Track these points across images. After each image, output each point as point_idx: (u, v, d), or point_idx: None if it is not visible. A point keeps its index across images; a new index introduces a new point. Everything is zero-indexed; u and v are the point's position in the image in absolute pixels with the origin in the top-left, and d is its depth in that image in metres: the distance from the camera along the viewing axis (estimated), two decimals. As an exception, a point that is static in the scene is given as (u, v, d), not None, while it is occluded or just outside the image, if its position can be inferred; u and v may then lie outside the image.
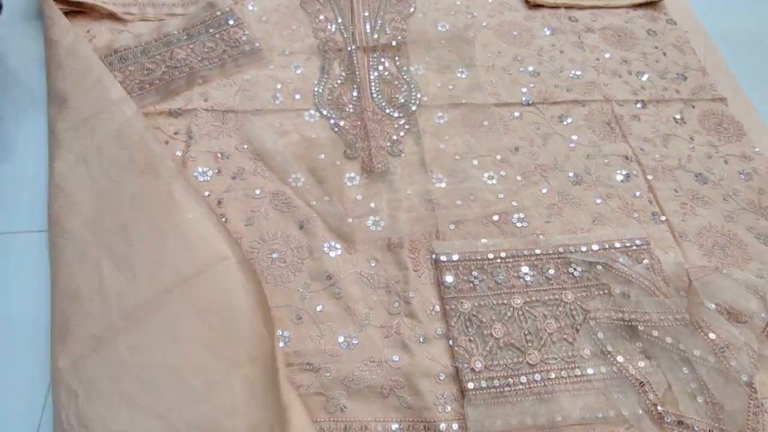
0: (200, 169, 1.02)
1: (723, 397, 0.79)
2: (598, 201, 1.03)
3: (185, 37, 1.20)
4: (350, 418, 0.77)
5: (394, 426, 0.77)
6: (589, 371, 0.83)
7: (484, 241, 0.96)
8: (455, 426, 0.78)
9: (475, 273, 0.92)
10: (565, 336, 0.86)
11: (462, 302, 0.88)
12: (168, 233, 0.85)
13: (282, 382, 0.76)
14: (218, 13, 1.25)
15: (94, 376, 0.75)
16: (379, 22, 1.29)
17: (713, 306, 0.87)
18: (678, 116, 1.17)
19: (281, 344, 0.83)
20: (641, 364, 0.84)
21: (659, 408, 0.80)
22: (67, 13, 1.19)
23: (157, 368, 0.75)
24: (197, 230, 0.86)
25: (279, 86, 1.17)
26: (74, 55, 1.07)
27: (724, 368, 0.81)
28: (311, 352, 0.83)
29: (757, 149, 1.12)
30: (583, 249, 0.95)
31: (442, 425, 0.77)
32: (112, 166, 0.93)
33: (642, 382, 0.82)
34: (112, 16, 1.24)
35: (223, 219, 0.96)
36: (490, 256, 0.94)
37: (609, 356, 0.84)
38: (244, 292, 0.82)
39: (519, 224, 0.99)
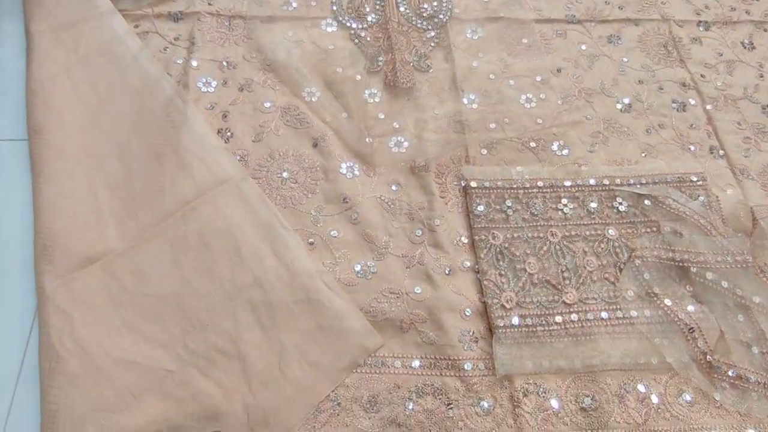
0: (203, 80, 0.91)
1: (783, 348, 0.71)
2: (649, 131, 0.92)
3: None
4: (365, 351, 0.70)
5: (416, 363, 0.70)
6: (633, 314, 0.75)
7: (519, 168, 0.85)
8: (482, 366, 0.70)
9: (508, 202, 0.82)
10: (606, 275, 0.77)
11: (493, 233, 0.79)
12: (166, 156, 0.79)
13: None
14: None
15: (90, 299, 0.69)
16: None
17: (779, 248, 0.77)
18: (746, 40, 1.03)
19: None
20: (691, 308, 0.75)
21: (709, 357, 0.71)
22: None
23: (160, 296, 0.70)
24: (196, 153, 0.80)
25: (292, -9, 1.03)
26: None
27: (787, 317, 0.72)
28: (324, 280, 0.74)
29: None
30: (631, 182, 0.85)
31: (467, 364, 0.70)
32: (101, 83, 0.86)
33: (691, 327, 0.73)
34: None
35: (229, 134, 0.86)
36: (526, 184, 0.84)
37: (655, 299, 0.75)
38: (247, 214, 0.76)
39: (559, 152, 0.88)
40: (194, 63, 0.92)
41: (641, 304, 0.75)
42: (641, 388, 0.70)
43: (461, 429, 0.66)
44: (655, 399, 0.69)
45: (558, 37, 1.01)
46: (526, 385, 0.69)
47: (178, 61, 0.93)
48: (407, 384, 0.69)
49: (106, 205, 0.76)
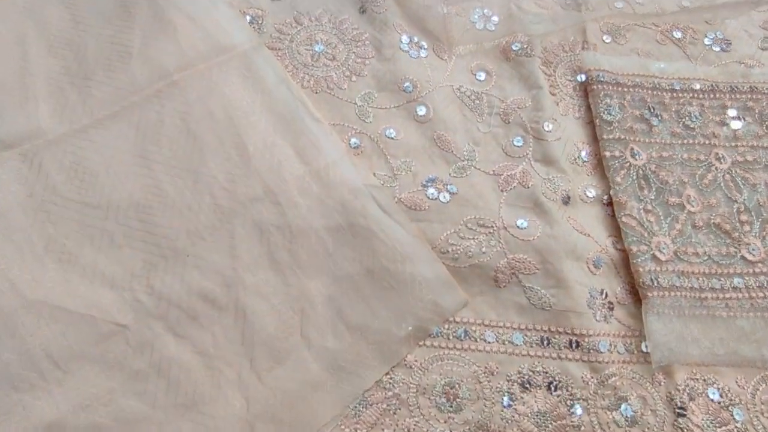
0: None
1: None
2: None
3: None
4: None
5: (518, 337, 0.45)
6: None
7: (660, 64, 0.59)
8: (621, 347, 0.45)
9: (652, 106, 0.55)
10: (803, 222, 0.51)
11: (632, 149, 0.52)
12: (137, 6, 0.59)
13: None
14: None
15: (4, 209, 0.47)
16: None
17: None
18: None
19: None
20: None
21: None
22: None
23: (112, 207, 0.47)
24: (183, 5, 0.59)
25: None
26: None
27: None
28: (375, 201, 0.50)
29: None
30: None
31: (602, 343, 0.44)
32: None
33: None
34: None
35: (235, -13, 0.59)
36: (676, 85, 0.56)
37: None
38: (258, 97, 0.55)
39: (715, 47, 0.62)
40: None
41: None
42: None
43: (593, 446, 0.41)
44: None
45: None
46: (693, 382, 0.45)
47: None
48: (505, 368, 0.44)
49: (41, 68, 0.54)
